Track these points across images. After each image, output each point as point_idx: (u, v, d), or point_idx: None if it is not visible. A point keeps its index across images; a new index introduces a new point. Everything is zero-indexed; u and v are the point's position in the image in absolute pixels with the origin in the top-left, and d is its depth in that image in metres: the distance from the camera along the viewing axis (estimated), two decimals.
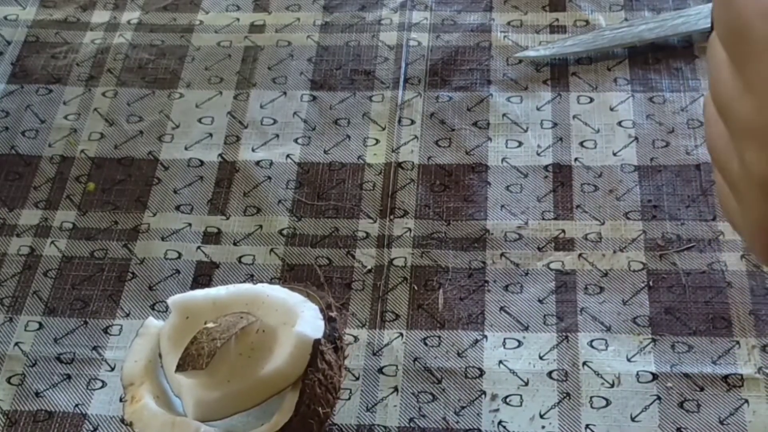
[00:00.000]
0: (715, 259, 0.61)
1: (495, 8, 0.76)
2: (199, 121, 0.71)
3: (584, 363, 0.57)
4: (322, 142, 0.69)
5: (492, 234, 0.64)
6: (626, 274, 0.61)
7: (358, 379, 0.57)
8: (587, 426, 0.55)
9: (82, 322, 0.61)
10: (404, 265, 0.62)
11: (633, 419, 0.55)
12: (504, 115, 0.70)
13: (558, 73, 0.72)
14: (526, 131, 0.69)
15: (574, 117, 0.69)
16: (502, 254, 0.62)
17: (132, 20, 0.78)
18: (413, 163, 0.67)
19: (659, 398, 0.56)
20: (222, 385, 0.49)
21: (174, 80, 0.74)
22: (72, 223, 0.66)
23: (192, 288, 0.62)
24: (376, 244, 0.63)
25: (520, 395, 0.56)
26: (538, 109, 0.70)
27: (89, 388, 0.58)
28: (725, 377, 0.56)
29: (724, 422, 0.54)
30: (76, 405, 0.57)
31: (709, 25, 0.72)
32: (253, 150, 0.69)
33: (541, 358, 0.58)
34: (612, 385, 0.56)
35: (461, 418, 0.56)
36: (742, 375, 0.56)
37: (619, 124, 0.68)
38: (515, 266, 0.62)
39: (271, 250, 0.64)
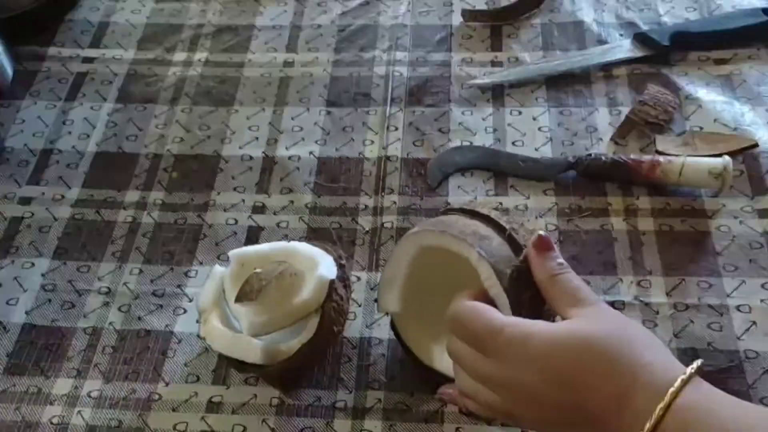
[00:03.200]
0: (605, 222, 0.61)
1: (453, 50, 0.75)
2: (249, 129, 0.70)
3: None
4: (334, 143, 0.68)
5: (451, 206, 0.63)
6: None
7: (360, 306, 0.57)
8: None
9: (170, 269, 0.60)
10: (392, 227, 0.62)
11: None
12: (460, 123, 0.69)
13: (496, 94, 0.71)
14: (475, 135, 0.68)
15: (508, 125, 0.69)
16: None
17: (201, 59, 0.77)
18: (397, 157, 0.67)
19: None
20: (266, 311, 0.49)
21: (231, 101, 0.73)
22: (161, 200, 0.65)
23: (245, 245, 0.61)
24: (372, 213, 0.63)
25: None
26: (483, 119, 0.69)
27: (175, 313, 0.58)
28: (612, 303, 0.56)
29: None
30: (166, 325, 0.57)
31: (602, 62, 0.71)
32: (286, 148, 0.68)
33: None
34: None
35: None
36: (624, 301, 0.56)
37: (539, 129, 0.68)
38: None
39: (300, 218, 0.63)
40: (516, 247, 0.46)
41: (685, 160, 0.60)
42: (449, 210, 0.51)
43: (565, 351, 0.38)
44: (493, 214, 0.48)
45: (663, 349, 0.40)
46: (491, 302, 0.44)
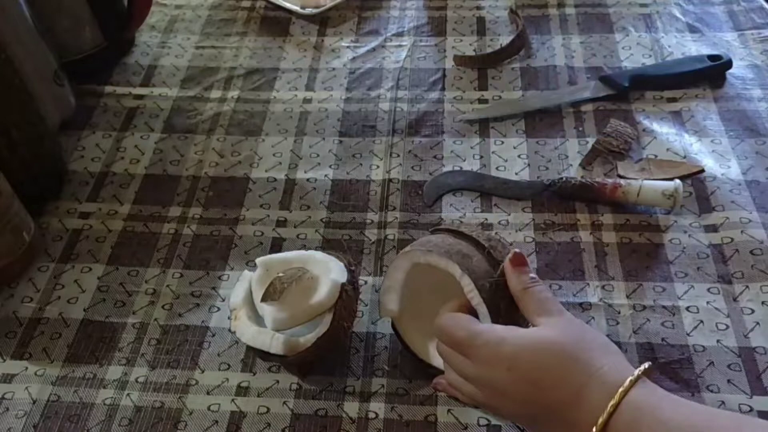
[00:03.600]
0: (574, 235, 0.61)
1: (446, 89, 0.76)
2: (273, 155, 0.71)
3: None
4: (346, 167, 0.69)
5: (445, 221, 0.63)
6: (523, 245, 0.61)
7: (367, 305, 0.57)
8: None
9: (206, 273, 0.61)
10: (393, 238, 0.62)
11: None
12: (451, 151, 0.69)
13: (483, 127, 0.71)
14: (464, 160, 0.68)
15: (492, 152, 0.69)
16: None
17: (234, 96, 0.77)
18: (399, 179, 0.67)
19: None
20: (287, 310, 0.49)
21: (258, 131, 0.73)
22: (199, 215, 0.65)
23: (270, 253, 0.61)
24: (377, 227, 0.63)
25: None
26: (471, 147, 0.70)
27: (210, 311, 0.58)
28: (581, 304, 0.56)
29: None
30: (202, 321, 0.57)
31: (571, 100, 0.72)
32: (305, 172, 0.69)
33: None
34: None
35: None
36: (590, 302, 0.56)
37: (519, 156, 0.68)
38: None
39: (316, 230, 0.63)
40: (494, 262, 0.46)
41: (642, 183, 0.61)
42: (437, 230, 0.52)
43: (532, 353, 0.39)
44: (475, 234, 0.48)
45: (617, 354, 0.40)
46: (473, 311, 0.44)
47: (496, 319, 0.44)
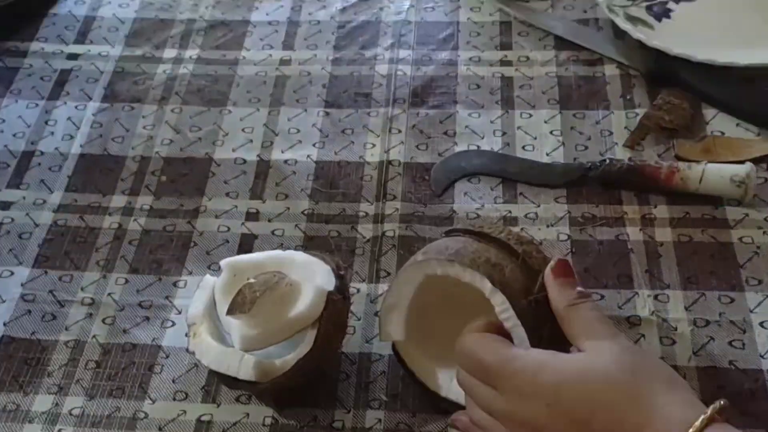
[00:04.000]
0: (620, 232, 0.61)
1: (460, 48, 0.76)
2: (243, 130, 0.70)
3: None
4: (333, 146, 0.69)
5: (458, 214, 0.63)
6: (556, 243, 0.61)
7: (360, 319, 0.57)
8: None
9: (157, 279, 0.60)
10: (393, 235, 0.62)
11: None
12: (466, 126, 0.69)
13: (506, 95, 0.71)
14: (482, 138, 0.68)
15: (517, 128, 0.69)
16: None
17: (193, 56, 0.77)
18: (400, 161, 0.67)
19: None
20: (260, 325, 0.49)
21: (224, 100, 0.73)
22: (149, 205, 0.65)
23: (238, 253, 0.61)
24: (373, 220, 0.63)
25: None
26: (491, 122, 0.69)
27: (162, 326, 0.58)
28: (628, 318, 0.56)
29: None
30: (153, 339, 0.57)
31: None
32: (282, 152, 0.68)
33: None
34: None
35: None
36: (640, 317, 0.56)
37: (551, 132, 0.68)
38: None
39: (296, 225, 0.63)
40: (531, 273, 0.46)
41: (705, 166, 0.61)
42: (454, 231, 0.51)
43: (578, 385, 0.38)
44: (504, 236, 0.47)
45: (684, 388, 0.40)
46: (507, 335, 0.44)
47: (536, 344, 0.43)
